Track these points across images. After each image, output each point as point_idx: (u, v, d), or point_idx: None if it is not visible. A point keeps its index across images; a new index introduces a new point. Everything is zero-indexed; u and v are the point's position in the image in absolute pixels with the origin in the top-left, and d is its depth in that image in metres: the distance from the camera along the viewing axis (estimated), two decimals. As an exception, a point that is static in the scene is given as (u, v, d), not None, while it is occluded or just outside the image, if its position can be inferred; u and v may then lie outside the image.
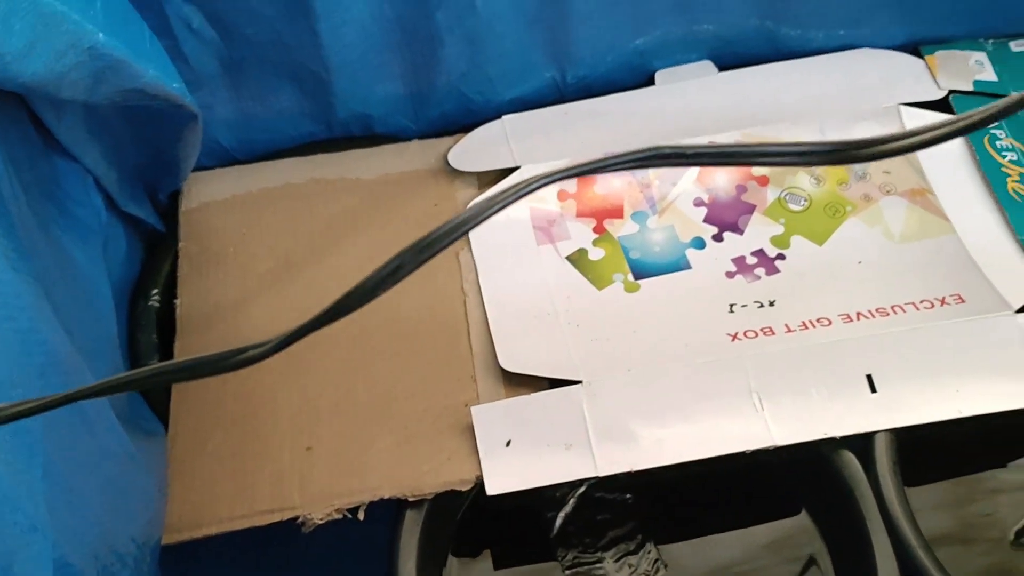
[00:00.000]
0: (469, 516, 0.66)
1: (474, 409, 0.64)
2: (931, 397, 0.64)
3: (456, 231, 0.36)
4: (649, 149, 0.36)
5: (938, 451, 0.68)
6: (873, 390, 0.64)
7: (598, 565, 0.64)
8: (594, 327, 0.68)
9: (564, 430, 0.63)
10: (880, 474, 0.62)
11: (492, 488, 0.61)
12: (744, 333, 0.67)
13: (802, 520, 0.67)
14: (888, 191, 0.74)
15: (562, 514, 0.66)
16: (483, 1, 0.72)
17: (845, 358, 0.65)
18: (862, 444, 0.64)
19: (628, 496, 0.67)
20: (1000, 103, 0.35)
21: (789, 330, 0.67)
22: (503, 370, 0.66)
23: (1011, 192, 0.73)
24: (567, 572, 0.64)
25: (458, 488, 0.62)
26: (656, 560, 0.65)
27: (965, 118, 0.35)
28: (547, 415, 0.64)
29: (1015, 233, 0.71)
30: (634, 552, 0.65)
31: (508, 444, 0.63)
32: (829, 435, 0.63)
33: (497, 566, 0.67)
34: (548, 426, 0.63)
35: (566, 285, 0.71)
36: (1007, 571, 0.64)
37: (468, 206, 0.74)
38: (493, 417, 0.64)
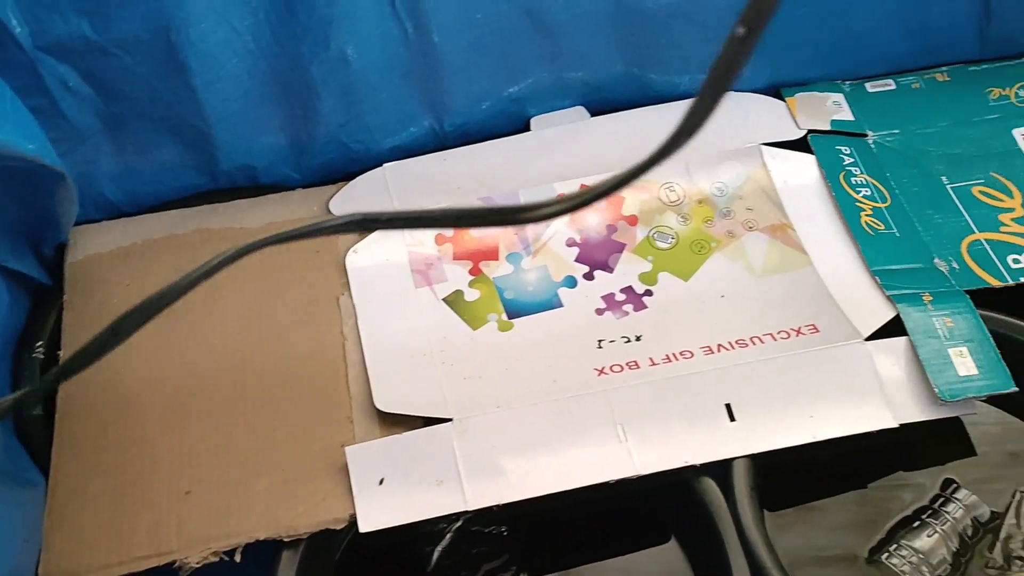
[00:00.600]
0: (349, 555, 0.68)
1: (348, 449, 0.66)
2: (787, 423, 0.67)
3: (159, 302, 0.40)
4: (349, 216, 0.41)
5: (803, 474, 0.72)
6: (732, 419, 0.67)
7: (473, 598, 0.66)
8: (467, 366, 0.71)
9: (435, 467, 0.65)
10: (738, 499, 0.65)
11: (365, 526, 0.63)
12: (611, 368, 0.70)
13: (671, 547, 0.69)
14: (751, 227, 0.78)
15: (439, 548, 0.68)
16: (355, 55, 0.75)
17: (705, 389, 0.68)
18: (723, 471, 0.67)
19: (503, 529, 0.69)
20: (624, 172, 0.43)
21: (653, 363, 0.70)
22: (379, 411, 0.68)
23: (864, 226, 0.77)
24: (445, 607, 0.66)
25: (332, 527, 0.64)
26: (530, 590, 0.67)
27: (600, 186, 0.43)
28: (419, 453, 0.66)
29: (867, 264, 0.75)
30: (508, 584, 0.67)
31: (381, 482, 0.65)
32: (689, 463, 0.66)
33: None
34: (420, 464, 0.65)
35: (442, 326, 0.73)
36: (864, 587, 0.67)
37: (351, 250, 0.78)
38: (367, 457, 0.66)
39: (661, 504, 0.69)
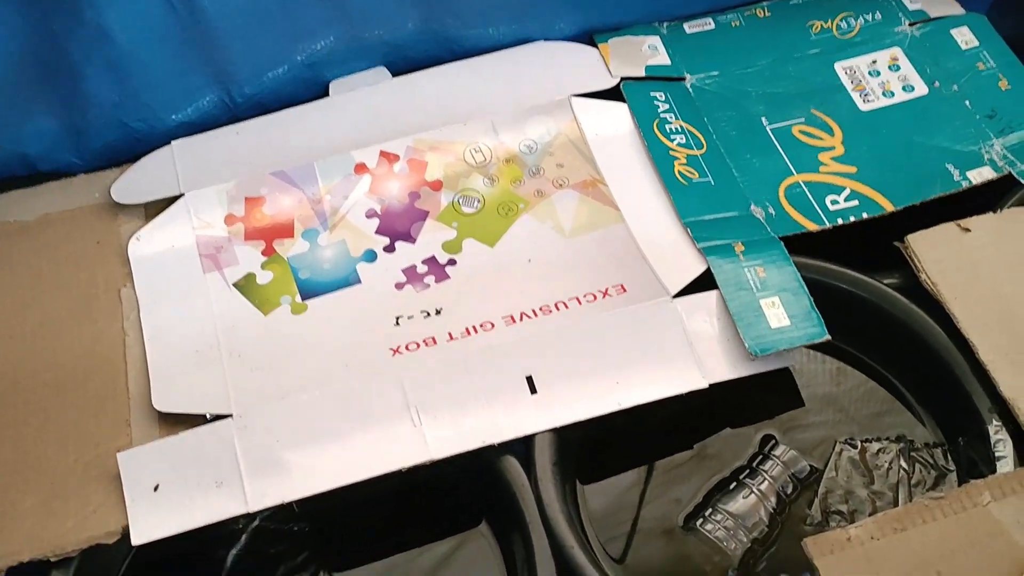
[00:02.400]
0: (135, 567, 0.64)
1: (120, 456, 0.61)
2: (591, 392, 0.64)
3: None
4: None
5: (619, 442, 0.69)
6: (533, 391, 0.64)
7: (272, 602, 0.63)
8: (256, 356, 0.66)
9: (214, 468, 0.61)
10: (540, 476, 0.62)
11: (138, 537, 0.59)
12: (406, 346, 0.66)
13: (482, 530, 0.66)
14: (561, 185, 0.74)
15: (233, 551, 0.64)
16: (117, 28, 0.69)
17: (505, 362, 0.65)
18: (527, 447, 0.63)
19: (303, 526, 0.65)
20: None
21: (452, 338, 0.66)
22: (159, 411, 0.64)
23: (678, 175, 0.74)
24: (239, 614, 0.62)
25: (104, 541, 0.59)
26: (330, 588, 0.63)
27: None
28: (197, 454, 0.61)
29: (679, 217, 0.71)
30: (308, 583, 0.63)
31: (156, 489, 0.60)
32: (487, 443, 0.62)
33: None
34: (198, 465, 0.61)
35: (231, 314, 0.68)
36: (682, 556, 0.64)
37: (133, 237, 0.72)
38: (141, 462, 0.61)
39: (467, 487, 0.65)
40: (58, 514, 0.60)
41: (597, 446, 0.68)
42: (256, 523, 0.64)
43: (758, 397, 0.70)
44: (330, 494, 0.61)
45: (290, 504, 0.61)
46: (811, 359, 0.71)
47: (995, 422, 0.63)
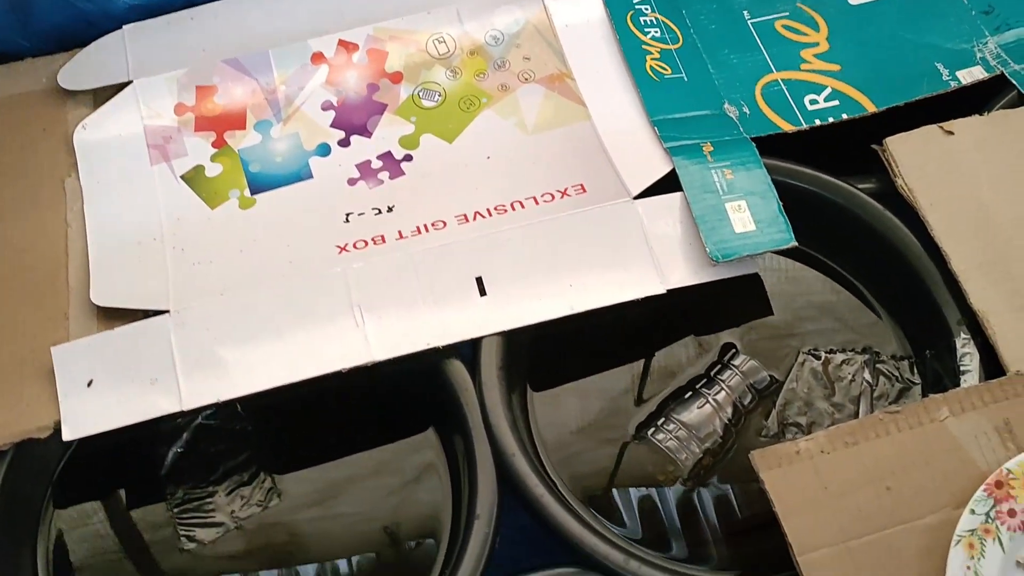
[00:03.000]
0: (76, 463, 0.62)
1: (54, 350, 0.59)
2: (543, 295, 0.61)
3: None
4: None
5: (576, 348, 0.66)
6: (483, 293, 0.62)
7: (208, 500, 0.61)
8: (200, 250, 0.64)
9: (150, 364, 0.59)
10: (484, 381, 0.60)
11: (69, 433, 0.57)
12: (354, 244, 0.63)
13: (428, 435, 0.64)
14: (527, 79, 0.70)
15: (175, 449, 0.63)
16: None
17: (455, 263, 0.62)
18: (473, 351, 0.61)
19: (247, 425, 0.63)
20: None
21: (402, 236, 0.64)
22: (98, 306, 0.62)
23: (649, 71, 0.70)
24: (174, 510, 0.61)
25: (36, 436, 0.58)
26: (270, 489, 0.62)
27: None
28: (133, 350, 0.60)
29: (648, 114, 0.68)
30: (247, 483, 0.62)
31: (90, 384, 0.59)
32: (432, 345, 0.60)
33: (128, 509, 0.63)
34: (133, 361, 0.59)
35: (177, 207, 0.66)
36: (633, 465, 0.63)
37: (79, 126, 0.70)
38: (75, 357, 0.59)
39: (413, 391, 0.63)
40: (-9, 409, 0.59)
41: (550, 352, 0.65)
42: (198, 421, 0.63)
43: (724, 304, 0.67)
44: (273, 394, 0.59)
45: (232, 403, 0.60)
46: (779, 266, 0.68)
47: (963, 335, 0.60)
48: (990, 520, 0.53)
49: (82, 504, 0.62)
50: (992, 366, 0.59)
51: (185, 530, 0.60)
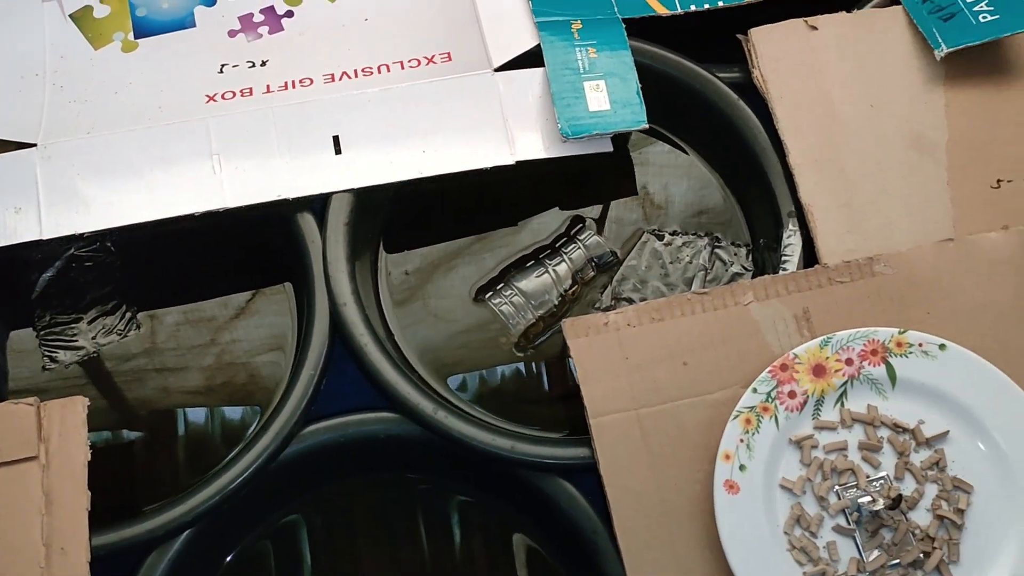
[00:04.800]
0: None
1: (-78, 177, 0.63)
2: (396, 158, 0.64)
3: None
4: None
5: (440, 212, 0.70)
6: (338, 151, 0.64)
7: (73, 326, 0.66)
8: (77, 89, 0.67)
9: (14, 193, 0.62)
10: (329, 234, 0.63)
11: (-67, 252, 0.62)
12: (222, 95, 0.66)
13: (284, 285, 0.68)
14: (419, -57, 0.72)
15: (46, 275, 0.67)
16: None
17: (316, 120, 0.65)
18: (323, 206, 0.64)
19: (115, 259, 0.67)
20: None
21: (269, 90, 0.66)
22: (-26, 135, 0.65)
23: (536, -58, 0.71)
24: (41, 333, 0.65)
25: (-98, 252, 0.62)
26: (131, 320, 0.66)
27: None
28: (0, 179, 0.63)
29: (527, -12, 0.69)
30: (110, 313, 0.66)
31: (-42, 209, 0.63)
32: (283, 197, 0.63)
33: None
34: None
35: (63, 45, 0.68)
36: (470, 327, 0.66)
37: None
38: (-57, 184, 0.63)
39: (268, 240, 0.67)
40: None
41: (406, 216, 0.68)
42: (71, 252, 0.67)
43: (587, 179, 0.70)
44: (142, 232, 0.63)
45: (103, 238, 0.64)
46: (644, 144, 0.70)
47: (791, 227, 0.63)
48: (770, 400, 0.56)
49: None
50: (812, 259, 0.62)
51: (49, 351, 0.65)
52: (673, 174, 0.70)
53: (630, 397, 0.57)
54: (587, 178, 0.70)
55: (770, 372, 0.57)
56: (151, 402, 0.65)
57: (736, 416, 0.56)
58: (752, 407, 0.56)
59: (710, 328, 0.59)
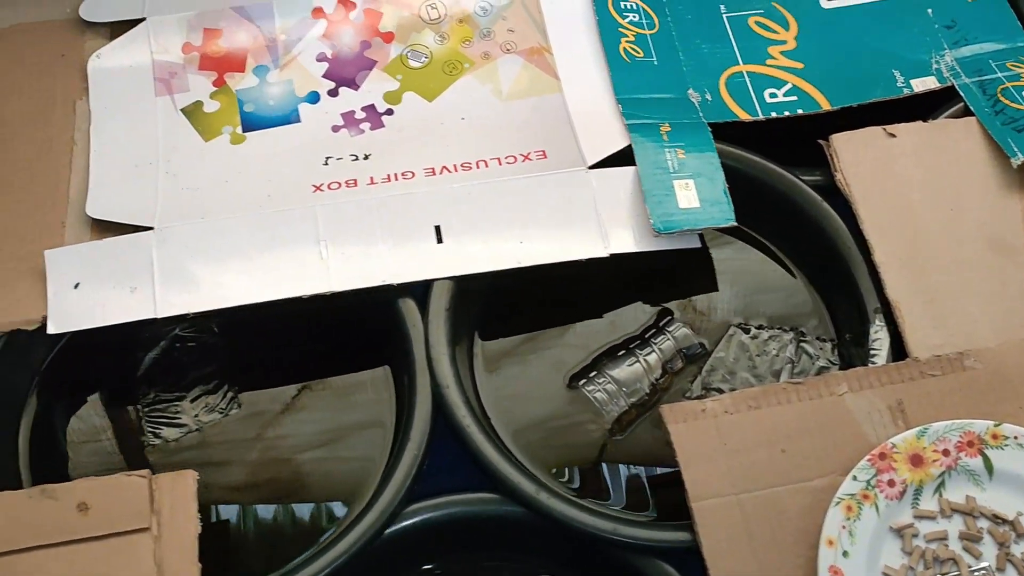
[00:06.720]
0: (63, 358, 0.68)
1: (47, 253, 0.66)
2: (495, 248, 0.67)
3: None
4: None
5: (529, 303, 0.72)
6: (440, 240, 0.67)
7: (176, 403, 0.67)
8: (189, 177, 0.70)
9: (131, 274, 0.65)
10: (431, 319, 0.65)
11: (53, 327, 0.64)
12: (328, 185, 0.69)
13: (381, 368, 0.70)
14: (508, 50, 0.76)
15: (151, 355, 0.69)
16: None
17: (419, 210, 0.68)
18: (425, 292, 0.67)
19: (217, 341, 0.69)
20: None
21: (373, 182, 0.69)
22: (93, 218, 0.68)
23: (622, 52, 0.75)
24: (144, 410, 0.67)
25: (24, 327, 0.64)
26: (232, 399, 0.68)
27: None
28: (118, 259, 0.66)
29: (615, 93, 0.73)
30: (212, 392, 0.68)
31: (77, 287, 0.65)
32: (387, 282, 0.65)
33: (104, 405, 0.69)
34: (117, 269, 0.65)
35: (175, 136, 0.72)
36: (564, 412, 0.68)
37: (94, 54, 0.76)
38: (66, 260, 0.65)
39: (370, 324, 0.69)
40: (-14, 300, 0.65)
41: (501, 304, 0.71)
42: (174, 332, 0.69)
43: (671, 274, 0.72)
44: (247, 315, 0.65)
45: (207, 320, 0.66)
46: (726, 244, 0.73)
47: (878, 322, 0.65)
48: (870, 487, 0.57)
49: (65, 396, 0.68)
50: (899, 353, 0.64)
51: (153, 427, 0.67)
52: (755, 270, 0.72)
53: (730, 482, 0.59)
54: (671, 272, 0.72)
55: (869, 460, 0.58)
56: (256, 474, 0.66)
57: (837, 503, 0.57)
58: (853, 494, 0.57)
59: (806, 417, 0.60)
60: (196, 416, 0.67)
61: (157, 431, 0.66)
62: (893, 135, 0.70)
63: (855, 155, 0.69)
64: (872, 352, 0.64)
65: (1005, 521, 0.57)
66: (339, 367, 0.70)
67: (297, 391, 0.69)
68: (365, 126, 0.72)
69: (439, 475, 0.63)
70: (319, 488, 0.66)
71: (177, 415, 0.67)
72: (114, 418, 0.68)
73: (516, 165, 0.70)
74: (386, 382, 0.69)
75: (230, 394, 0.68)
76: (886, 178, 0.69)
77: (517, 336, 0.70)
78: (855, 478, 0.58)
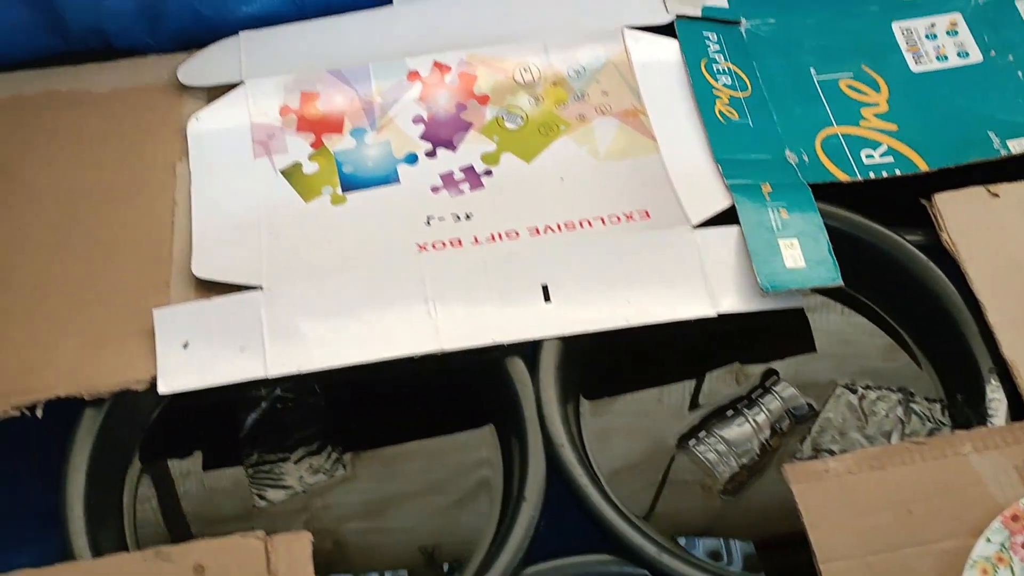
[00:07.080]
0: (166, 419, 0.68)
1: (156, 312, 0.65)
2: (602, 307, 0.67)
3: None
4: None
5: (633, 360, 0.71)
6: (547, 299, 0.67)
7: (280, 464, 0.67)
8: (292, 237, 0.70)
9: (240, 333, 0.65)
10: (542, 377, 0.65)
11: (164, 387, 0.63)
12: (433, 244, 0.69)
13: (487, 429, 0.69)
14: (603, 112, 0.76)
15: (253, 416, 0.68)
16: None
17: (525, 269, 0.67)
18: (534, 351, 0.66)
19: (320, 400, 0.69)
20: None
21: (477, 242, 0.69)
22: (197, 277, 0.68)
23: (717, 114, 0.75)
24: (249, 471, 0.66)
25: (133, 387, 0.64)
26: (337, 460, 0.67)
27: None
28: (226, 318, 0.65)
29: (713, 153, 0.73)
30: (316, 453, 0.67)
31: (186, 346, 0.64)
32: (497, 341, 0.65)
33: (207, 466, 0.69)
34: (226, 329, 0.65)
35: (274, 198, 0.72)
36: (674, 472, 0.67)
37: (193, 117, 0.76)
38: (174, 320, 0.65)
39: (476, 383, 0.68)
40: (95, 359, 0.65)
41: (604, 363, 0.70)
42: (277, 393, 0.68)
43: (771, 335, 0.72)
44: (348, 375, 0.65)
45: (310, 379, 0.66)
46: (825, 304, 0.73)
47: (993, 382, 0.64)
48: (1004, 549, 0.56)
49: (168, 455, 0.68)
50: (1018, 413, 0.63)
51: (258, 489, 0.66)
52: (860, 330, 0.72)
53: (857, 544, 0.57)
54: (766, 332, 0.72)
55: (1002, 521, 0.57)
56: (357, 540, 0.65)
57: (972, 565, 0.56)
58: (987, 557, 0.56)
59: (931, 477, 0.59)
60: (301, 477, 0.66)
61: (262, 493, 0.65)
62: (996, 195, 0.70)
63: (959, 214, 0.69)
64: (990, 413, 0.63)
65: None
66: (444, 426, 0.69)
67: (402, 447, 0.68)
68: (464, 186, 0.73)
69: (552, 537, 0.62)
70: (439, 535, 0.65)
71: (281, 476, 0.66)
72: (218, 479, 0.67)
73: (620, 224, 0.70)
74: (492, 443, 0.68)
75: (334, 454, 0.67)
76: (992, 238, 0.68)
77: (620, 395, 0.70)
78: (988, 540, 0.56)
